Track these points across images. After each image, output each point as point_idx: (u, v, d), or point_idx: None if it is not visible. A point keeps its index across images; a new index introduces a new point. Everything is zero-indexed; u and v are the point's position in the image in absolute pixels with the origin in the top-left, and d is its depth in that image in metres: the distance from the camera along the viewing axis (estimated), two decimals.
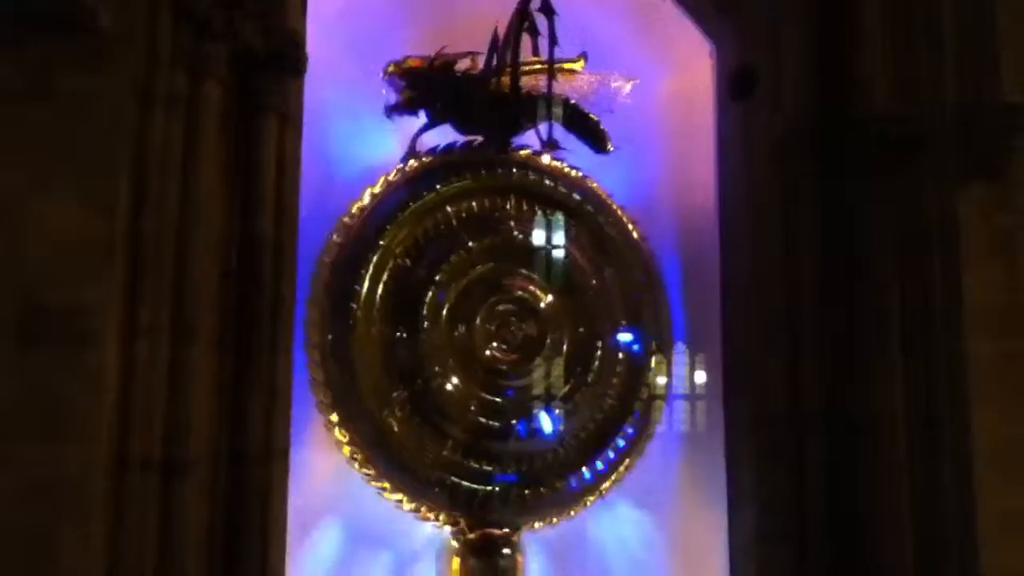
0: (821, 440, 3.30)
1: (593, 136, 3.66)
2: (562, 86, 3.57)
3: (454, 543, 3.46)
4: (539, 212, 3.65)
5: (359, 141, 3.55)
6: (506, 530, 3.47)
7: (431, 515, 3.45)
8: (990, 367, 3.08)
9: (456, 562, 3.43)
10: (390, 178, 3.53)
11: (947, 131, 3.18)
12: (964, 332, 3.11)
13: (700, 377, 3.87)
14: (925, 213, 3.23)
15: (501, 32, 3.50)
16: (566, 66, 3.57)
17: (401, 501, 3.41)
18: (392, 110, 3.51)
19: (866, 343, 3.27)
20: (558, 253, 3.66)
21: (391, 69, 3.49)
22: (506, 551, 3.45)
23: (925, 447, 3.16)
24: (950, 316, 3.14)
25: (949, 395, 3.10)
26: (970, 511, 3.10)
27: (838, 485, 3.25)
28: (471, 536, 3.43)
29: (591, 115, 3.66)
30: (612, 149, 3.70)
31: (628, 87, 3.65)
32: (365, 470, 3.39)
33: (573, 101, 3.62)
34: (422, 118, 3.54)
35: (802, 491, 3.33)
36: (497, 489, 3.50)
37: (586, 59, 3.60)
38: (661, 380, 3.76)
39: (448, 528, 3.47)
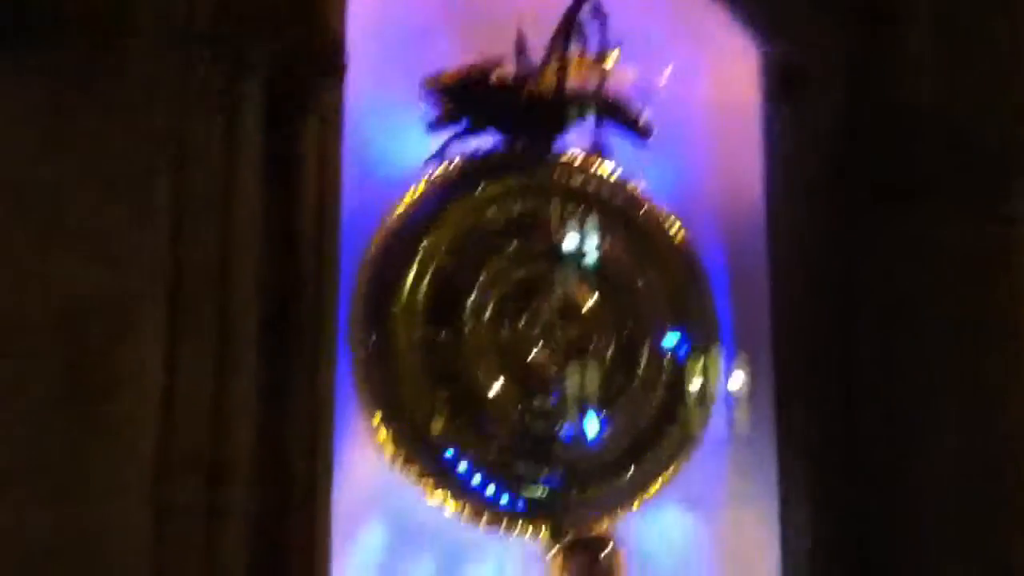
0: (875, 439, 3.23)
1: (634, 126, 3.61)
2: (597, 80, 3.52)
3: (550, 550, 3.43)
4: (581, 213, 3.61)
5: (399, 141, 3.54)
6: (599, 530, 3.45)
7: (479, 518, 3.42)
8: None
9: (556, 566, 3.41)
10: (419, 188, 3.50)
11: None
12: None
13: (748, 379, 3.78)
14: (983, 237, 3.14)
15: (541, 33, 3.49)
16: (600, 62, 3.52)
17: (445, 503, 3.39)
18: (433, 125, 3.50)
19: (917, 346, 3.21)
20: (601, 255, 3.61)
21: (428, 84, 3.49)
22: (606, 552, 3.41)
23: (978, 449, 3.08)
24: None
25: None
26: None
27: (892, 487, 3.18)
28: (568, 539, 3.40)
29: (630, 106, 3.61)
30: (653, 137, 3.64)
31: (665, 73, 3.60)
32: (409, 471, 3.37)
33: (610, 94, 3.58)
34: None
35: (857, 494, 3.25)
36: (545, 492, 3.47)
37: (620, 51, 3.55)
38: (708, 382, 3.69)
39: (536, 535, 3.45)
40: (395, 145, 3.53)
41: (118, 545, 2.34)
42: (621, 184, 3.70)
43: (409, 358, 3.41)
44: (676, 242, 3.73)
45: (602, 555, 3.43)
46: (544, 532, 3.45)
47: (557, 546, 3.42)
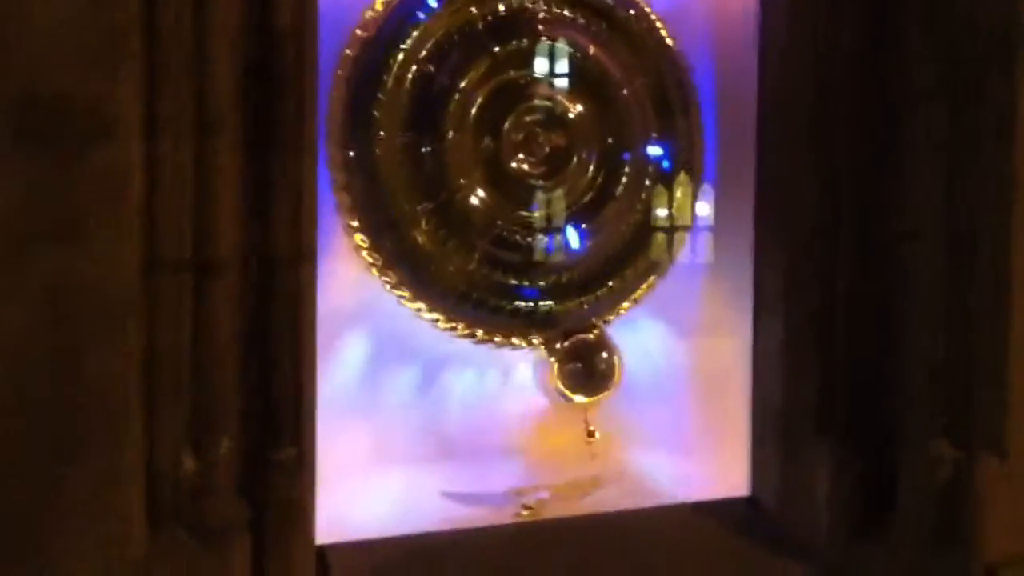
0: (855, 256, 3.25)
1: None
2: None
3: (548, 355, 3.50)
4: (569, 15, 3.46)
5: None
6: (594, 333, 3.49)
7: (461, 329, 3.45)
8: None
9: (555, 369, 3.47)
10: None
11: None
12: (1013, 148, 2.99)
13: (731, 200, 3.75)
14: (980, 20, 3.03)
15: None
16: None
17: (437, 321, 3.40)
18: None
19: (907, 156, 3.16)
20: (585, 60, 3.48)
21: None
22: (604, 354, 3.51)
23: (962, 270, 3.10)
24: (1001, 134, 3.02)
25: (990, 213, 3.02)
26: (1002, 335, 3.07)
27: (870, 302, 3.23)
28: (565, 344, 3.47)
29: None
30: None
31: None
32: (396, 291, 3.36)
33: None
34: None
35: (832, 308, 3.29)
36: (523, 304, 3.49)
37: None
38: (686, 204, 3.67)
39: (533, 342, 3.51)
40: None
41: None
42: None
43: (390, 167, 3.32)
44: (667, 50, 3.60)
45: (599, 359, 3.49)
46: (538, 340, 3.48)
47: (552, 352, 3.46)
